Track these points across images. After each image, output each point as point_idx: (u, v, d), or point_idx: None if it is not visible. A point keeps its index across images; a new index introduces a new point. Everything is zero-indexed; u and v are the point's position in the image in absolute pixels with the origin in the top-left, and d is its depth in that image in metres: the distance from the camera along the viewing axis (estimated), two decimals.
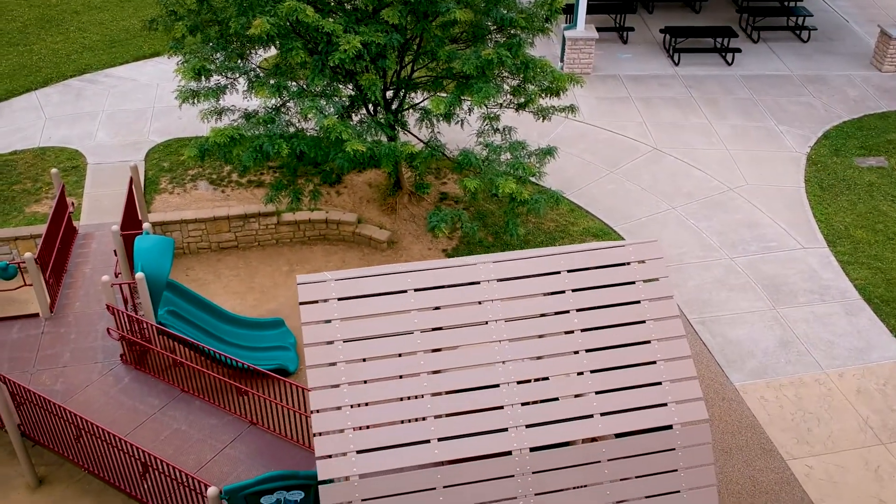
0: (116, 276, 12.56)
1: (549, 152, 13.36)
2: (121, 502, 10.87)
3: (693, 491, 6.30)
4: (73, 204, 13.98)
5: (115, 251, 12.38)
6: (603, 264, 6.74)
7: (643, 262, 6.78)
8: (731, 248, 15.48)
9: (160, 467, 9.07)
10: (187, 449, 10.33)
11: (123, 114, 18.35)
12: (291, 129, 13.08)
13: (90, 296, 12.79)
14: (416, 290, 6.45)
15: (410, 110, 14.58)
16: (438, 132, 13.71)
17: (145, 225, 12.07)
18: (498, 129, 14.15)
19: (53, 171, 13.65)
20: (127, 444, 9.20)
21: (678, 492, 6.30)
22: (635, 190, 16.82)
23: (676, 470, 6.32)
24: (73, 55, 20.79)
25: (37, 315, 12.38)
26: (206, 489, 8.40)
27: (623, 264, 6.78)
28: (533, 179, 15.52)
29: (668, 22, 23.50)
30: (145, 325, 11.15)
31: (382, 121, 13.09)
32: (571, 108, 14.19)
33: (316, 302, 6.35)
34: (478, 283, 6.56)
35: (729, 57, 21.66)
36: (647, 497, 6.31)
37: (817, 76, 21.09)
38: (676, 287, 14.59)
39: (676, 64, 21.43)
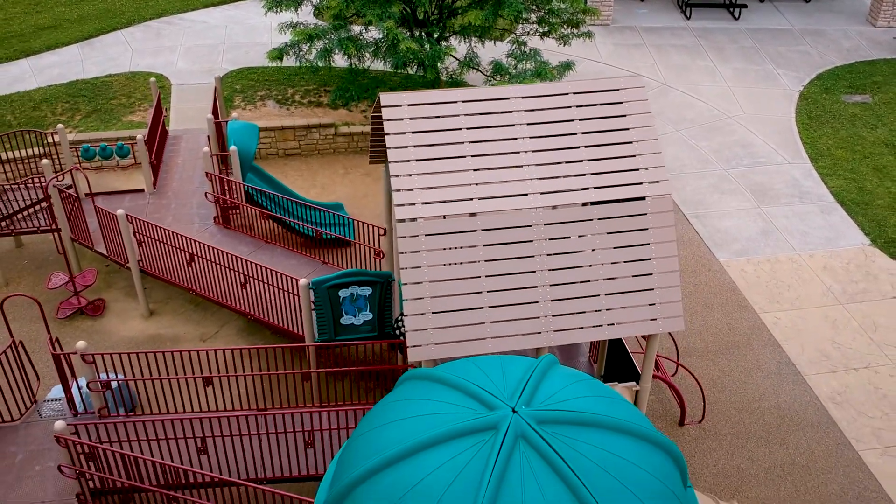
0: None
1: (568, 66, 15.85)
2: (217, 327, 13.57)
3: (658, 244, 8.79)
4: (164, 110, 16.66)
5: (207, 137, 15.04)
6: (600, 89, 9.26)
7: (629, 89, 9.29)
8: (725, 162, 17.88)
9: (259, 273, 11.68)
10: None
11: (199, 48, 21.06)
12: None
13: (184, 179, 15.46)
14: (463, 101, 9.00)
15: (452, 36, 17.13)
16: (475, 46, 16.28)
17: (233, 114, 14.72)
18: (525, 53, 16.66)
19: (151, 80, 16.34)
20: (233, 257, 11.83)
21: (648, 244, 8.79)
22: None
23: (647, 229, 8.82)
24: (151, 2, 23.53)
25: (142, 190, 15.08)
26: (298, 282, 10.99)
27: (614, 90, 9.30)
28: None
29: None
30: (236, 188, 13.78)
31: (426, 37, 15.66)
32: (588, 34, 16.66)
33: (392, 107, 8.91)
34: (507, 98, 9.10)
35: (736, 12, 23.96)
36: (625, 246, 8.82)
37: (816, 30, 23.35)
38: (676, 191, 17.02)
39: (688, 18, 23.78)
